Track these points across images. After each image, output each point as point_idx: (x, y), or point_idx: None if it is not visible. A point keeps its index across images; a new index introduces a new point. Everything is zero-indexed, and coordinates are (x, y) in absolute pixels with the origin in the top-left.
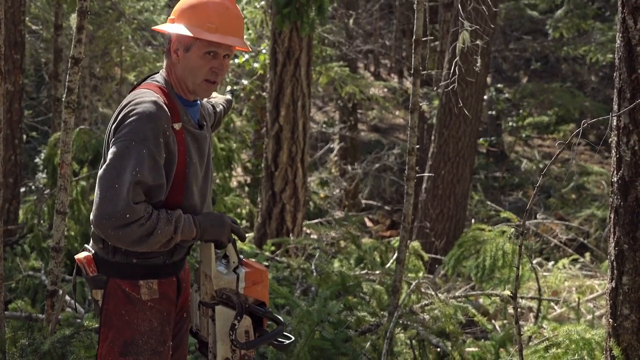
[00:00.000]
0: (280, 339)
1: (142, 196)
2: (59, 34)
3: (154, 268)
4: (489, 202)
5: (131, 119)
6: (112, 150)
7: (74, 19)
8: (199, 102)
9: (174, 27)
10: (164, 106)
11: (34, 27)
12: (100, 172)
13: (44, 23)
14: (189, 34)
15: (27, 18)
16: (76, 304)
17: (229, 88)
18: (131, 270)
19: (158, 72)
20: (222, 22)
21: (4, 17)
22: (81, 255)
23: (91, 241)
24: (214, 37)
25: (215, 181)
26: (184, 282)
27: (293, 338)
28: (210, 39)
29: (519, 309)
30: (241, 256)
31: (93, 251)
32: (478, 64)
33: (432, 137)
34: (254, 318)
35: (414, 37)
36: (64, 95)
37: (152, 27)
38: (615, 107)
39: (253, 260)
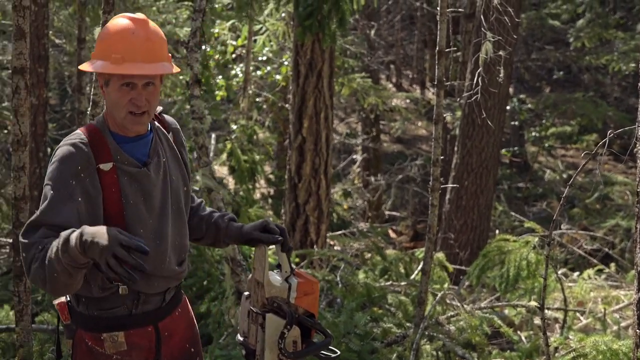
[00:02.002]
0: (326, 352)
1: (42, 234)
2: (82, 47)
3: (118, 319)
4: (512, 213)
5: (50, 163)
6: None
7: (97, 32)
8: (150, 135)
9: (88, 65)
10: (84, 147)
11: (57, 41)
12: None
13: (67, 36)
14: (93, 69)
15: (50, 32)
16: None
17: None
18: (94, 322)
19: None
20: (127, 50)
21: (28, 32)
22: (57, 300)
23: None
24: (116, 68)
25: (238, 193)
26: (168, 331)
27: (339, 352)
28: (111, 71)
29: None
30: (294, 266)
31: (68, 298)
32: (501, 75)
33: (455, 148)
34: (302, 328)
35: (437, 49)
36: (89, 108)
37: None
38: None
39: (305, 271)
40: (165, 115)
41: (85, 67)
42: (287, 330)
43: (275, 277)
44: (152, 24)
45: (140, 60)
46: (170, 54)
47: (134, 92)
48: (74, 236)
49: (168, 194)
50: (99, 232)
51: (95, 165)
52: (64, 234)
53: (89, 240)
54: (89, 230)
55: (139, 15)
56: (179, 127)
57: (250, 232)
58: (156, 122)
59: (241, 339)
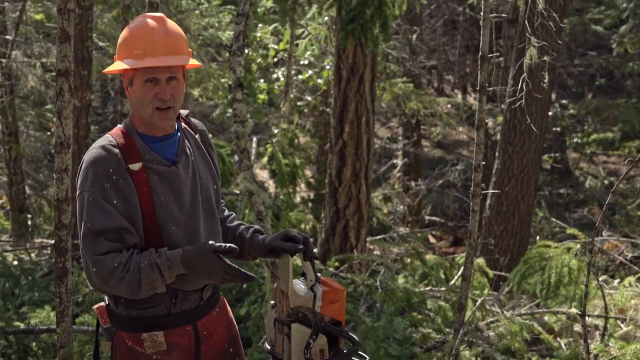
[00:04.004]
0: (356, 358)
1: (106, 245)
2: None
3: (157, 319)
4: (553, 219)
5: (81, 169)
6: (77, 206)
7: None
8: (177, 134)
9: (113, 66)
10: (114, 149)
11: (100, 44)
12: None
13: (111, 39)
14: (117, 68)
15: (94, 34)
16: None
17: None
18: (133, 322)
19: None
20: (148, 45)
21: (73, 34)
22: (97, 305)
23: None
24: (138, 63)
25: (279, 197)
26: (207, 330)
27: (368, 358)
28: (134, 66)
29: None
30: (319, 274)
31: (107, 302)
32: (545, 81)
33: (497, 154)
34: (329, 337)
35: (480, 54)
36: (131, 111)
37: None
38: None
39: (331, 278)
40: (192, 118)
41: (109, 68)
42: (313, 340)
43: (300, 286)
44: (170, 20)
45: (161, 54)
46: (190, 50)
47: (158, 88)
48: (175, 263)
49: (198, 192)
50: (201, 262)
51: (125, 165)
52: (158, 260)
53: (196, 271)
54: (191, 259)
55: (157, 13)
56: (205, 128)
57: (272, 242)
58: (183, 124)
59: (269, 347)
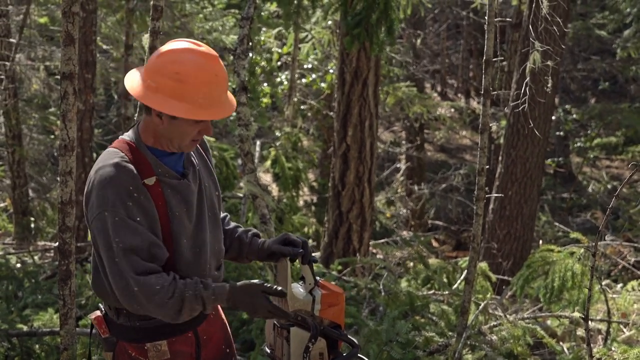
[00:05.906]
0: None
1: (143, 265)
2: (130, 53)
3: (160, 328)
4: (556, 223)
5: (96, 188)
6: (93, 227)
7: (145, 39)
8: None
9: (165, 105)
10: (128, 165)
11: (104, 47)
12: (95, 251)
13: (114, 43)
14: (184, 116)
15: (98, 38)
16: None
17: None
18: (136, 333)
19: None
20: (213, 94)
21: (77, 38)
22: (93, 315)
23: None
24: (208, 114)
25: (282, 200)
26: (206, 335)
27: None
28: (203, 118)
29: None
30: (318, 278)
31: (104, 311)
32: (548, 85)
33: (500, 158)
34: (328, 340)
35: (484, 58)
36: (137, 115)
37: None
38: None
39: (330, 282)
40: None
41: (171, 110)
42: (312, 344)
43: (299, 290)
44: (214, 53)
45: (224, 100)
46: None
47: (203, 124)
48: (220, 297)
49: (204, 201)
50: (248, 300)
51: (141, 180)
52: (204, 294)
53: (239, 306)
54: (238, 296)
55: (210, 50)
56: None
57: (271, 246)
58: None
59: (268, 351)
